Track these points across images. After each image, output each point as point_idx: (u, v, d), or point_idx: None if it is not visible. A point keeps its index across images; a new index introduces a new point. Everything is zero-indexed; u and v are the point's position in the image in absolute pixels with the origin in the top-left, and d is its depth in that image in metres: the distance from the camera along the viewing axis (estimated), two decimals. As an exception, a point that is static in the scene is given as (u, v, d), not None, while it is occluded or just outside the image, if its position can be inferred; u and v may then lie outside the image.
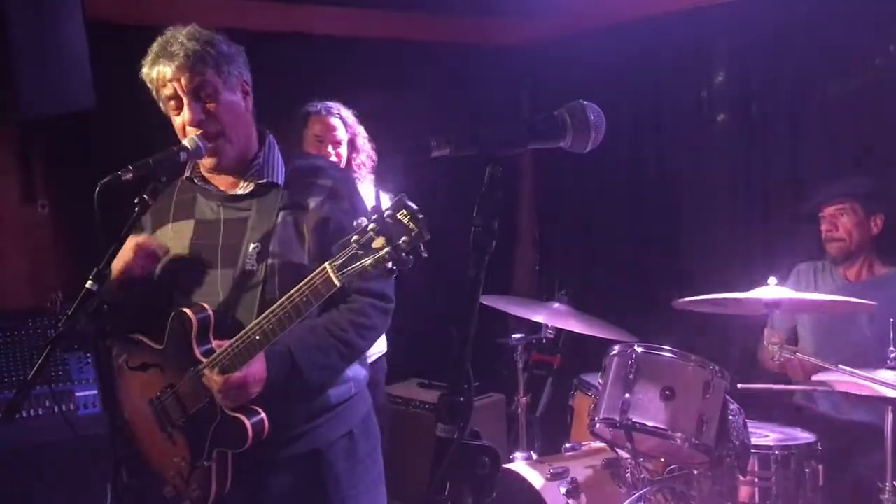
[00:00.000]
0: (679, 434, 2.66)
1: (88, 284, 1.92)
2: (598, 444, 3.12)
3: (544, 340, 3.65)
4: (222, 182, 2.13)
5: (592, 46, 4.58)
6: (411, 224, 1.57)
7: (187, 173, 2.14)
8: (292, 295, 1.80)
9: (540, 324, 3.58)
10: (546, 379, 4.48)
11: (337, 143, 3.23)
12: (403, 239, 1.58)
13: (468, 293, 1.34)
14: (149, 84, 2.05)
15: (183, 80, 1.97)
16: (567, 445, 3.22)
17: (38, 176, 3.86)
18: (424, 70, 4.62)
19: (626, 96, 4.55)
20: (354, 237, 1.64)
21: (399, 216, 1.59)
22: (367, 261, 1.63)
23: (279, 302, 1.83)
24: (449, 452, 1.30)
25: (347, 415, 2.16)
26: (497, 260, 1.36)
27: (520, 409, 3.64)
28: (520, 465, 3.03)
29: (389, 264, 1.60)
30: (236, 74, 2.05)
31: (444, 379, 1.35)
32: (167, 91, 2.00)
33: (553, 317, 3.52)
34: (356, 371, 2.20)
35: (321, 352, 1.99)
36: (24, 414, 3.26)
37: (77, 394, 3.46)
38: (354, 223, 1.65)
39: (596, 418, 2.81)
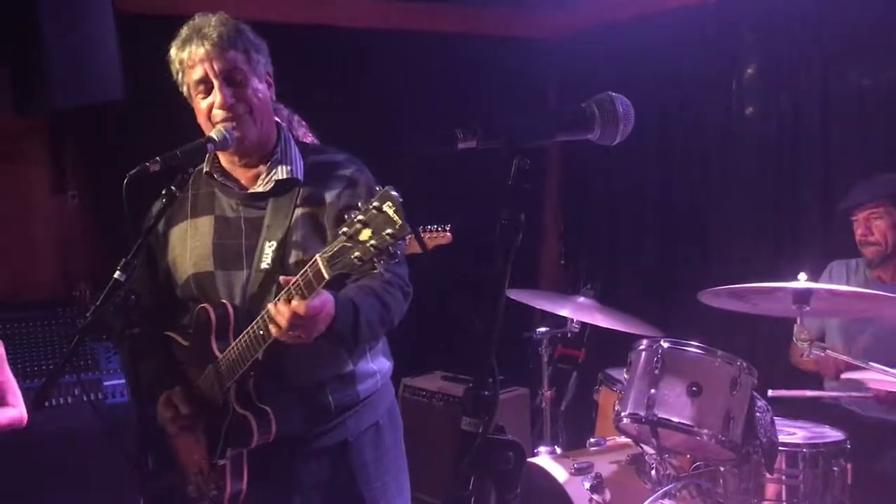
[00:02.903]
0: (705, 430, 2.64)
1: (116, 275, 1.94)
2: (623, 440, 3.10)
3: (569, 335, 3.63)
4: (243, 176, 2.11)
5: (620, 38, 4.54)
6: (396, 216, 1.55)
7: (206, 168, 2.12)
8: (289, 287, 1.78)
9: (565, 318, 3.56)
10: (571, 373, 4.45)
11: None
12: (388, 231, 1.56)
13: (494, 287, 1.32)
14: (176, 66, 2.04)
15: (215, 63, 1.97)
16: (591, 440, 3.21)
17: (68, 167, 3.90)
18: (450, 62, 4.60)
19: (653, 89, 4.50)
20: (343, 229, 1.63)
21: (385, 208, 1.56)
22: (355, 253, 1.61)
23: (279, 295, 1.80)
24: (474, 447, 1.30)
25: (374, 406, 2.16)
26: (522, 253, 1.34)
27: (544, 404, 3.63)
28: (544, 459, 3.02)
29: (375, 257, 1.58)
30: (263, 63, 2.06)
31: (469, 373, 1.34)
32: (196, 73, 1.99)
33: (578, 311, 3.50)
34: (381, 364, 2.21)
35: (373, 310, 1.97)
36: (54, 402, 3.30)
37: (105, 383, 3.51)
38: (345, 216, 1.63)
39: (621, 413, 2.79)
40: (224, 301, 2.02)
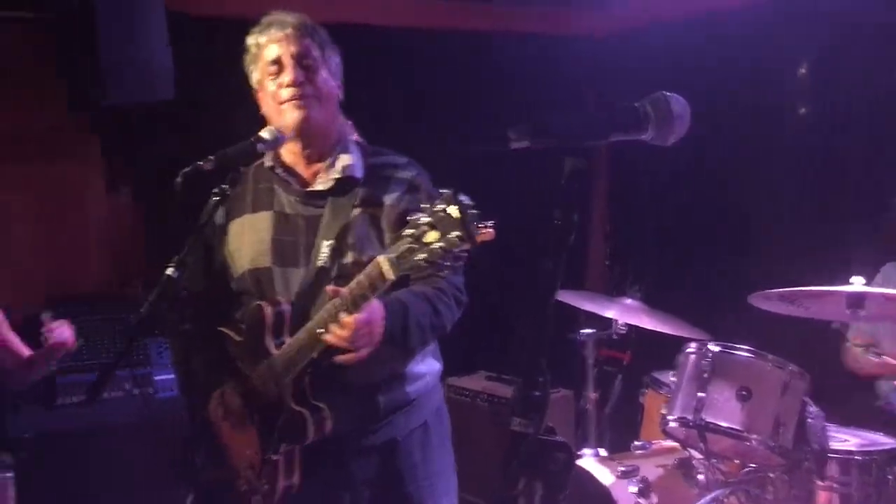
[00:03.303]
0: (755, 435, 2.60)
1: (169, 271, 1.97)
2: (670, 444, 3.07)
3: (615, 336, 3.60)
4: (304, 171, 2.13)
5: (665, 37, 4.49)
6: (463, 218, 1.56)
7: (269, 162, 2.15)
8: (351, 287, 1.80)
9: (610, 319, 3.53)
10: (615, 375, 4.41)
11: None
12: (455, 234, 1.57)
13: (544, 288, 1.32)
14: (251, 51, 2.11)
15: (290, 45, 2.04)
16: (637, 443, 3.18)
17: (121, 164, 3.98)
18: (492, 61, 4.59)
19: (698, 90, 4.41)
20: (408, 231, 1.64)
21: (451, 210, 1.57)
22: (420, 255, 1.61)
23: (340, 295, 1.83)
24: (524, 447, 1.29)
25: (423, 407, 2.18)
26: (568, 254, 1.33)
27: (589, 406, 3.60)
28: (589, 462, 3.00)
29: (441, 259, 1.58)
30: (335, 62, 2.12)
31: (515, 373, 1.34)
32: (271, 52, 2.05)
33: (625, 313, 3.46)
34: (431, 365, 2.23)
35: (425, 314, 1.99)
36: (106, 395, 3.37)
37: (156, 377, 3.57)
38: (408, 218, 1.64)
39: (669, 417, 2.77)
40: (280, 298, 2.04)
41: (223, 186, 2.02)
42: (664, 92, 1.37)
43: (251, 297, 2.10)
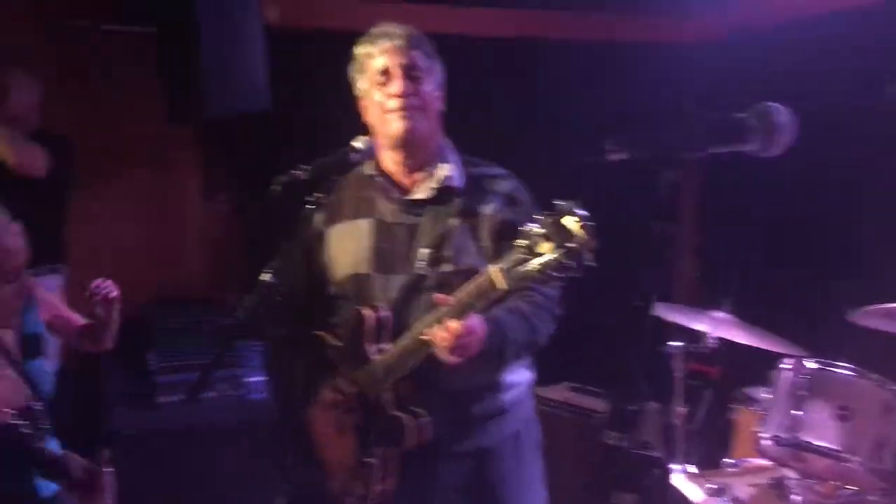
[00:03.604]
0: (854, 457, 2.49)
1: (265, 277, 2.03)
2: (762, 462, 2.97)
3: (704, 350, 3.51)
4: (404, 179, 2.16)
5: (764, 43, 4.36)
6: (579, 231, 1.54)
7: (369, 171, 2.18)
8: (458, 295, 1.82)
9: (699, 332, 3.45)
10: (704, 390, 4.30)
11: None
12: (569, 245, 1.56)
13: (641, 300, 1.30)
14: (359, 60, 2.14)
15: (399, 57, 2.07)
16: (727, 461, 3.09)
17: (219, 172, 4.12)
18: (590, 70, 4.55)
19: (798, 98, 4.26)
20: (522, 241, 1.64)
21: (566, 222, 1.56)
22: (533, 265, 1.61)
23: (442, 313, 1.85)
24: (618, 461, 1.28)
25: (515, 416, 2.18)
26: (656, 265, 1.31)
27: (676, 420, 3.52)
28: (677, 477, 2.93)
29: (555, 270, 1.58)
30: (439, 74, 2.15)
31: (611, 386, 1.33)
32: (379, 62, 2.08)
33: (715, 326, 3.37)
34: (524, 375, 2.22)
35: (520, 332, 2.00)
36: (202, 396, 3.47)
37: (248, 379, 3.67)
38: (521, 228, 1.65)
39: (762, 435, 2.68)
40: (379, 305, 2.07)
41: (318, 194, 2.08)
42: (769, 103, 1.34)
43: (349, 302, 2.14)
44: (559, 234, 1.57)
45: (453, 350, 1.85)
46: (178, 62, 3.42)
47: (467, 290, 1.81)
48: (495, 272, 1.72)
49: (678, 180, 1.30)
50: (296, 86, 3.85)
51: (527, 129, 4.20)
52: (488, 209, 2.07)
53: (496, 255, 1.95)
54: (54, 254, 3.51)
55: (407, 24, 2.19)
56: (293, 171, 2.06)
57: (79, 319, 2.61)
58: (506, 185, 2.12)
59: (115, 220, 3.96)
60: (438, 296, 1.88)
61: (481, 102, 3.32)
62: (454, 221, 2.07)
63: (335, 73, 4.10)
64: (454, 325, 1.82)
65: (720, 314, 3.44)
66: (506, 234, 1.96)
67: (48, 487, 2.51)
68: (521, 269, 1.65)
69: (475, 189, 2.11)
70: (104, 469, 2.96)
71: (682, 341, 3.55)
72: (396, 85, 2.06)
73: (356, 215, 2.19)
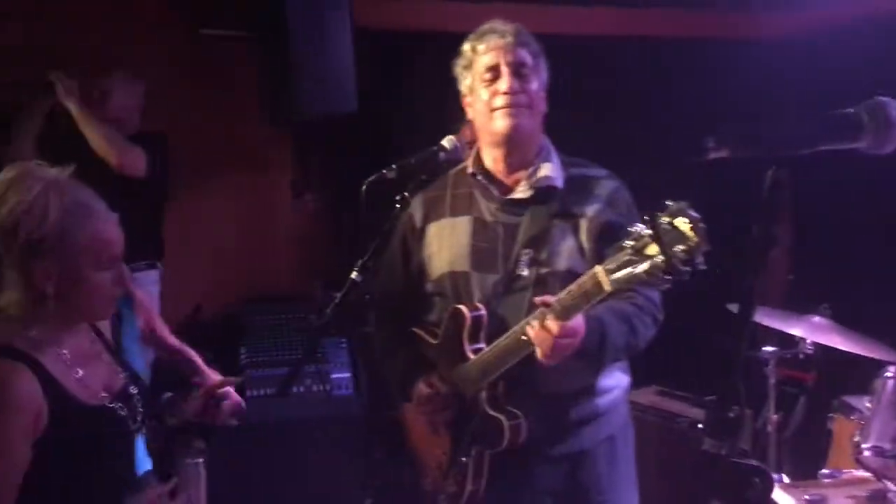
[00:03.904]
0: (964, 472, 2.36)
1: (353, 276, 2.05)
2: (862, 474, 2.84)
3: (801, 356, 3.39)
4: (505, 178, 2.14)
5: (853, 39, 4.18)
6: (691, 233, 1.49)
7: (470, 169, 2.18)
8: (561, 297, 1.80)
9: (793, 337, 3.33)
10: (797, 397, 4.15)
11: None
12: (680, 248, 1.50)
13: (742, 304, 1.26)
14: (467, 56, 2.14)
15: (508, 54, 2.06)
16: (824, 472, 2.97)
17: (308, 172, 4.20)
18: (681, 68, 4.45)
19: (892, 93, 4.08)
20: (629, 242, 1.60)
21: (677, 223, 1.51)
22: (641, 267, 1.58)
23: (540, 313, 1.83)
24: (717, 470, 1.24)
25: (610, 420, 2.16)
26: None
27: (770, 428, 3.41)
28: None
29: (663, 273, 1.53)
30: (545, 74, 2.14)
31: (692, 390, 1.29)
32: (488, 59, 2.08)
33: (812, 331, 3.26)
34: (620, 379, 2.20)
35: (619, 331, 1.97)
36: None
37: (333, 375, 3.73)
38: (630, 228, 1.61)
39: (863, 445, 2.57)
40: (478, 303, 2.07)
41: (405, 194, 2.09)
42: (881, 97, 1.28)
43: (446, 300, 2.14)
44: (669, 236, 1.52)
45: (552, 351, 1.83)
46: (273, 66, 3.51)
47: (571, 290, 1.78)
48: (601, 273, 1.69)
49: (783, 179, 1.25)
50: (385, 86, 3.89)
51: (623, 128, 4.13)
52: (589, 210, 2.04)
53: (596, 257, 1.94)
54: (151, 251, 3.64)
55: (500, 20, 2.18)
56: (382, 171, 2.08)
57: (168, 335, 2.72)
58: (608, 186, 2.09)
59: (209, 219, 4.08)
60: (539, 299, 1.85)
61: (577, 102, 3.27)
62: (555, 222, 2.05)
63: (423, 73, 4.14)
64: (554, 325, 1.79)
65: (818, 318, 3.32)
66: (607, 236, 1.95)
67: (140, 466, 2.62)
68: (628, 271, 1.61)
69: (576, 190, 2.09)
70: (196, 460, 3.06)
71: (774, 346, 3.44)
72: (504, 82, 2.05)
73: (455, 213, 2.18)
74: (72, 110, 3.29)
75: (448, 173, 2.23)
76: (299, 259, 4.22)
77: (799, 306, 4.39)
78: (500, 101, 2.05)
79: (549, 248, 2.03)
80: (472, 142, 3.06)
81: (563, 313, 1.80)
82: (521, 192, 2.10)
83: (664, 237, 1.53)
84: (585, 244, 2.02)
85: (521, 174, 2.12)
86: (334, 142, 4.01)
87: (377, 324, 2.32)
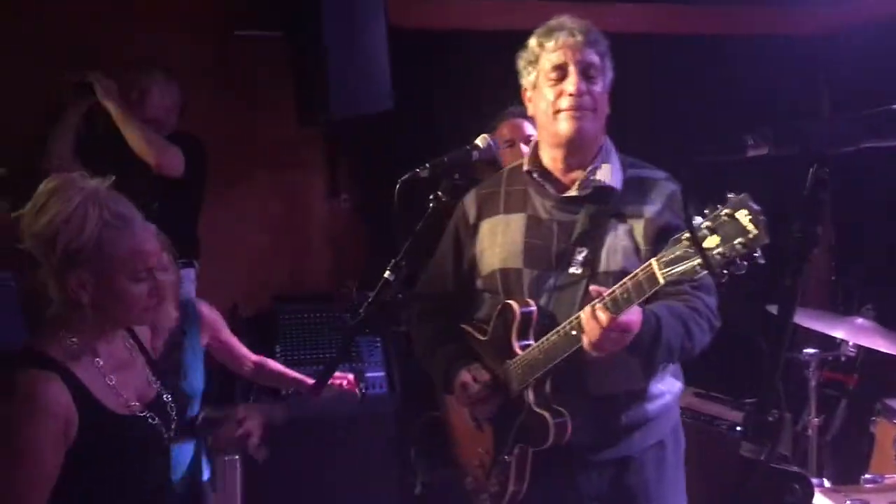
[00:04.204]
0: None
1: (387, 275, 2.05)
2: (906, 479, 2.77)
3: (843, 358, 3.32)
4: (562, 177, 2.11)
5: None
6: (750, 226, 1.44)
7: (526, 166, 2.14)
8: (613, 290, 1.77)
9: (834, 339, 3.27)
10: (839, 400, 4.07)
11: (528, 141, 3.02)
12: (739, 241, 1.45)
13: (782, 304, 1.23)
14: (533, 52, 2.08)
15: (577, 54, 2.01)
16: (867, 476, 2.90)
17: (342, 172, 4.21)
18: (716, 65, 4.39)
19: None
20: (685, 234, 1.57)
21: (738, 216, 1.45)
22: (696, 260, 1.54)
23: (594, 302, 1.80)
24: (757, 475, 1.21)
25: (660, 425, 2.11)
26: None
27: (810, 432, 3.35)
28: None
29: (720, 267, 1.48)
30: (610, 74, 2.09)
31: (752, 395, 1.26)
32: (556, 57, 2.03)
33: (855, 333, 3.19)
34: (671, 384, 2.15)
35: (676, 335, 1.92)
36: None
37: (366, 374, 3.73)
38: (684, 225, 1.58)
39: (907, 450, 2.50)
40: (529, 300, 2.04)
41: (438, 193, 2.08)
42: (927, 93, 1.24)
43: (496, 296, 2.12)
44: (728, 229, 1.47)
45: (599, 341, 1.78)
46: (307, 66, 3.52)
47: (624, 284, 1.75)
48: (655, 265, 1.66)
49: (826, 178, 1.22)
50: (419, 85, 3.88)
51: (660, 126, 4.08)
52: (648, 211, 2.01)
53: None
54: (187, 250, 3.67)
55: (535, 23, 2.15)
56: (415, 170, 2.08)
57: (246, 352, 2.76)
58: (666, 188, 2.04)
59: (244, 219, 4.11)
60: (594, 288, 1.81)
61: (616, 100, 3.23)
62: (610, 221, 2.01)
63: (457, 71, 4.12)
64: (604, 315, 1.75)
65: (860, 320, 3.25)
66: (664, 239, 1.86)
67: (203, 473, 2.65)
68: (685, 264, 1.58)
69: (634, 191, 2.05)
70: (232, 456, 3.09)
71: (816, 348, 3.38)
72: (571, 83, 2.01)
73: (509, 209, 2.15)
74: (111, 110, 3.32)
75: (502, 170, 2.21)
76: (333, 258, 4.23)
77: (841, 307, 4.32)
78: (565, 102, 2.01)
79: (603, 247, 1.99)
80: (510, 141, 3.05)
81: (615, 305, 1.76)
82: (579, 191, 2.06)
83: (723, 229, 1.48)
84: (641, 245, 1.98)
85: (579, 174, 2.08)
86: (368, 141, 4.01)
87: (422, 318, 2.30)
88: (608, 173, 2.05)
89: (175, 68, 3.58)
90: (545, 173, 2.12)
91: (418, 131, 3.83)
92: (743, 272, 1.46)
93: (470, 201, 2.19)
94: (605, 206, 2.03)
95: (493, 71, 4.19)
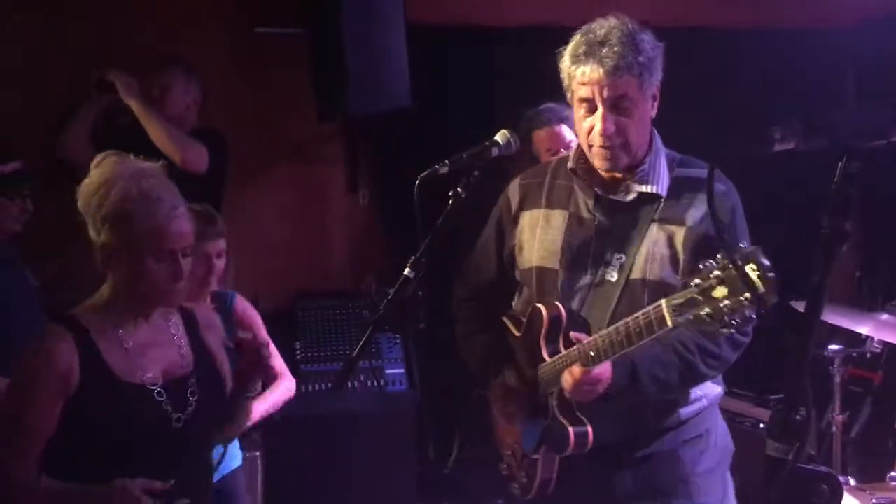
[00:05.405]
0: None
1: (406, 272, 2.03)
2: (934, 478, 2.74)
3: (868, 354, 3.28)
4: (607, 179, 2.05)
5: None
6: (759, 282, 1.42)
7: (571, 164, 2.09)
8: (627, 322, 1.77)
9: (857, 335, 3.23)
10: (864, 397, 4.02)
11: (569, 147, 2.94)
12: (745, 296, 1.46)
13: (810, 301, 1.20)
14: (566, 71, 2.00)
15: (605, 90, 1.92)
16: (893, 474, 2.87)
17: (361, 168, 4.21)
18: (742, 57, 4.33)
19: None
20: (696, 280, 1.56)
21: (747, 269, 1.44)
22: (705, 309, 1.54)
23: (615, 326, 1.81)
24: (783, 475, 1.19)
25: (696, 426, 2.07)
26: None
27: (834, 429, 3.31)
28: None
29: (727, 318, 1.49)
30: (654, 82, 1.98)
31: (748, 388, 1.24)
32: (583, 92, 1.95)
33: (880, 329, 3.15)
34: (708, 389, 2.09)
35: (663, 367, 1.91)
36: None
37: (386, 371, 3.73)
38: (701, 265, 1.56)
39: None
40: (558, 304, 2.01)
41: (458, 190, 2.06)
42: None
43: (530, 293, 2.11)
44: (737, 282, 1.47)
45: (575, 394, 1.89)
46: (326, 63, 3.52)
47: (635, 318, 1.75)
48: (666, 308, 1.66)
49: (855, 172, 1.19)
50: (438, 81, 3.87)
51: (688, 119, 4.04)
52: (691, 218, 1.96)
53: (689, 270, 1.85)
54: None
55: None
56: (435, 167, 2.06)
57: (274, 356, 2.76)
58: (714, 188, 1.98)
59: (264, 215, 4.12)
60: (574, 334, 1.89)
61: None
62: (653, 227, 1.97)
63: (477, 67, 4.09)
64: (577, 371, 1.85)
65: (886, 316, 3.21)
66: (703, 250, 1.86)
67: (235, 458, 2.67)
68: (692, 312, 1.58)
69: (678, 194, 2.00)
70: (252, 452, 3.09)
71: (841, 344, 3.33)
72: (599, 124, 1.94)
73: (551, 205, 2.11)
74: (134, 108, 3.34)
75: (551, 160, 2.18)
76: (353, 254, 4.23)
77: (866, 303, 4.25)
78: (596, 139, 1.96)
79: (643, 255, 1.96)
80: (552, 150, 3.01)
81: (628, 341, 1.78)
82: (623, 194, 2.02)
83: (732, 282, 1.49)
84: (681, 255, 1.94)
85: (625, 176, 2.02)
86: (388, 137, 4.00)
87: (462, 304, 2.29)
88: (654, 182, 1.99)
89: (196, 66, 3.59)
90: (590, 170, 2.06)
91: (438, 128, 3.81)
92: (750, 325, 1.46)
93: (514, 189, 2.16)
94: (648, 211, 1.99)
95: (513, 67, 4.19)
